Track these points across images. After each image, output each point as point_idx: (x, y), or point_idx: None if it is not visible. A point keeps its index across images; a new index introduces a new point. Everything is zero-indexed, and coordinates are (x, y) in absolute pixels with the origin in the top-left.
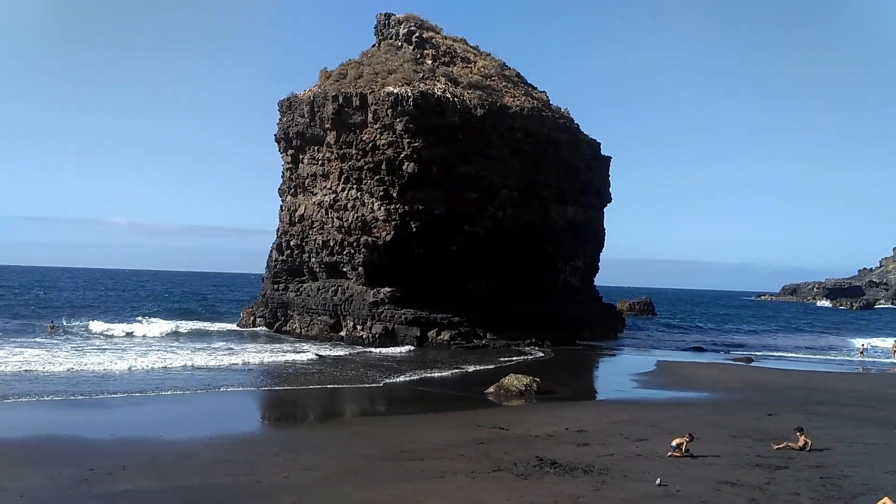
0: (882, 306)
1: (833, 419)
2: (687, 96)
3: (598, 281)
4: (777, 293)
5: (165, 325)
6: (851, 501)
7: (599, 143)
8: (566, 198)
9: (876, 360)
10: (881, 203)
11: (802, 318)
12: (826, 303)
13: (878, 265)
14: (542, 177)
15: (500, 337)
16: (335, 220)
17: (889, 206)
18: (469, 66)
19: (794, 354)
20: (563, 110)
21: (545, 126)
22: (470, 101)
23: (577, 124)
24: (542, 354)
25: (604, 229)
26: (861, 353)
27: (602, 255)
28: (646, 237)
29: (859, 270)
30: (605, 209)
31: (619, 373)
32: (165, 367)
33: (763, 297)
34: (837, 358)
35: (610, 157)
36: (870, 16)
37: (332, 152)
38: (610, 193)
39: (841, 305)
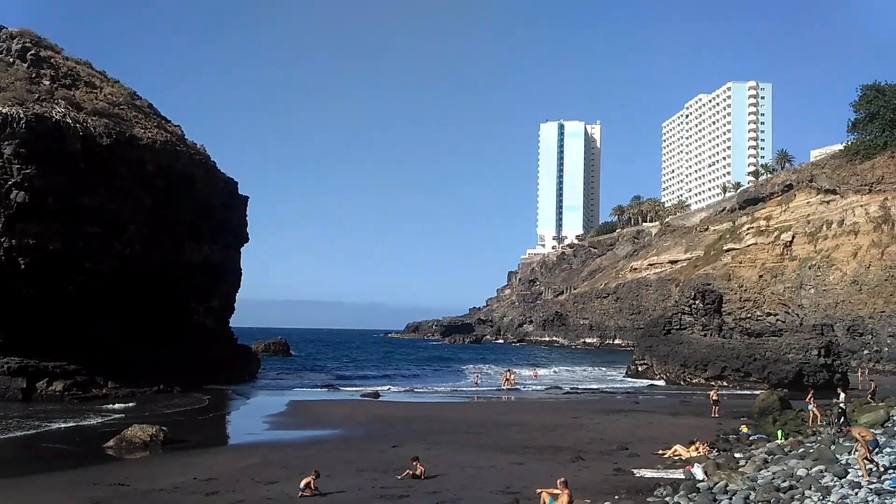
0: (489, 340)
1: (449, 446)
2: (322, 143)
3: (235, 322)
4: (402, 331)
5: None
6: None
7: (237, 183)
8: (202, 236)
9: (487, 390)
10: (491, 251)
11: (423, 352)
12: (442, 339)
13: (486, 304)
14: (176, 213)
15: (126, 385)
16: None
17: (496, 253)
18: (94, 91)
19: (417, 388)
20: (199, 146)
21: (179, 160)
22: (95, 128)
23: (213, 161)
24: (170, 401)
25: (240, 269)
26: (476, 382)
27: (238, 296)
28: (285, 278)
29: (470, 309)
30: (242, 249)
31: (253, 415)
32: None
33: (390, 335)
34: (452, 389)
35: (247, 197)
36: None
37: None
38: (247, 233)
39: (454, 341)
